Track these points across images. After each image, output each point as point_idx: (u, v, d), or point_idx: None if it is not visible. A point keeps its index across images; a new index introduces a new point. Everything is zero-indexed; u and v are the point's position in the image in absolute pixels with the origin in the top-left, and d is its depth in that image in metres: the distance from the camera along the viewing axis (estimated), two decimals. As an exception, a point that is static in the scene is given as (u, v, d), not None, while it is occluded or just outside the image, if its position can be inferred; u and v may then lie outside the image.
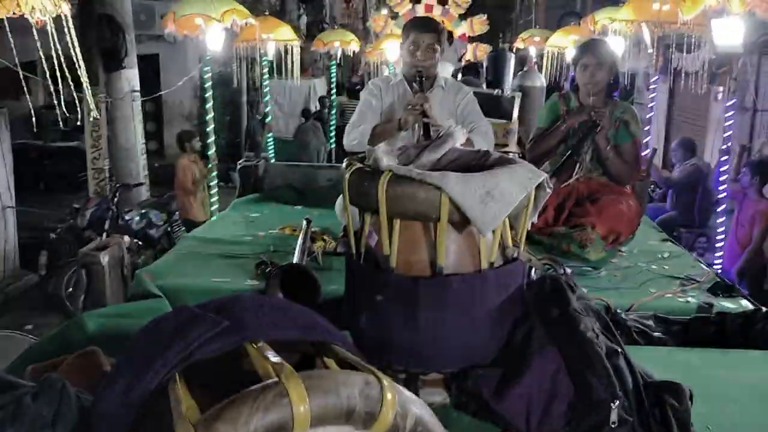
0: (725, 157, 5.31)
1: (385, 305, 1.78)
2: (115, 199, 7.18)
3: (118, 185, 7.58)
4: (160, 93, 10.85)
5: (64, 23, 2.27)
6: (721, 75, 7.59)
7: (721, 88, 8.84)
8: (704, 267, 3.17)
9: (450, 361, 1.80)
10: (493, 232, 1.72)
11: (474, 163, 2.02)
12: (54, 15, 2.24)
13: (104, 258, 2.32)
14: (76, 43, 2.26)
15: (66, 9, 2.33)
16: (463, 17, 12.61)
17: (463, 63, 11.15)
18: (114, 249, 2.42)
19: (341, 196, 1.92)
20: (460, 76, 9.13)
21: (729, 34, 4.55)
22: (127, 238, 2.52)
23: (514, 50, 12.11)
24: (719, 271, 5.53)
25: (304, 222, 3.24)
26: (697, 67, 6.33)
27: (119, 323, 2.22)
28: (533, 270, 2.01)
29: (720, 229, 5.44)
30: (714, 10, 4.42)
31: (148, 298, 2.48)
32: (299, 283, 2.56)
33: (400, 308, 1.76)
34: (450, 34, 12.21)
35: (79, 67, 2.25)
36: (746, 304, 2.68)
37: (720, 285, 2.82)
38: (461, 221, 1.71)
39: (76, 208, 7.18)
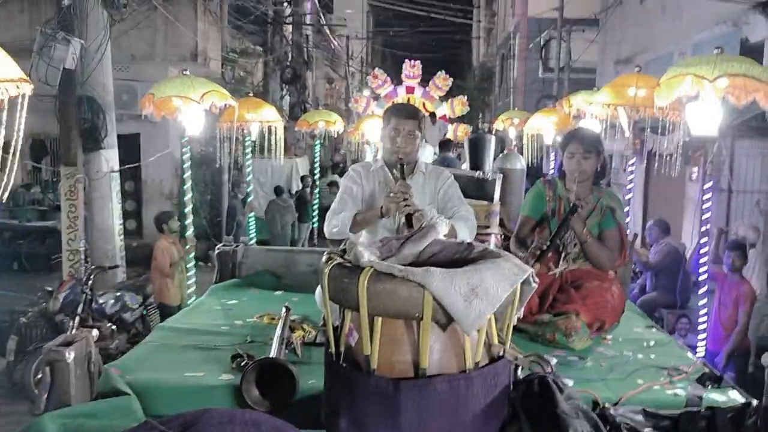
0: (705, 239, 5.32)
1: (365, 408, 1.69)
2: (90, 282, 7.00)
3: (93, 267, 7.42)
4: (138, 164, 10.84)
5: (20, 103, 2.24)
6: (696, 157, 7.73)
7: (696, 168, 9.01)
8: (691, 356, 3.11)
9: (435, 468, 1.70)
10: (478, 330, 1.66)
11: (457, 256, 1.98)
12: (14, 95, 2.21)
13: (70, 354, 2.20)
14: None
15: (28, 89, 2.30)
16: (443, 99, 12.90)
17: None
18: (81, 344, 2.30)
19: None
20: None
21: (704, 120, 4.66)
22: (95, 332, 2.40)
23: (493, 132, 12.34)
24: (704, 353, 5.50)
25: (283, 310, 3.14)
26: (672, 149, 6.45)
27: (83, 424, 2.10)
28: (519, 368, 1.93)
29: (702, 311, 5.40)
30: (688, 96, 4.53)
31: (116, 396, 2.35)
32: (276, 378, 2.45)
33: (381, 412, 1.67)
34: (433, 113, 12.51)
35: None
36: (735, 395, 2.60)
37: (708, 375, 2.74)
38: (445, 319, 1.65)
39: (48, 291, 6.99)
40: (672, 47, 11.07)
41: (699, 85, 4.27)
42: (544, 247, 3.24)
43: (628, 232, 5.31)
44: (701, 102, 4.49)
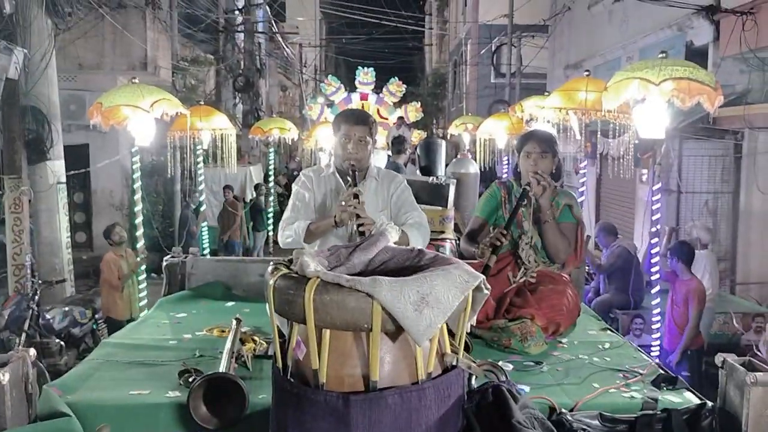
0: (655, 239, 5.40)
1: (315, 424, 1.63)
2: (36, 297, 6.78)
3: (39, 282, 7.18)
4: (84, 170, 10.57)
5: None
6: (645, 159, 7.87)
7: (645, 171, 9.18)
8: (645, 357, 3.12)
9: (388, 484, 1.64)
10: (430, 340, 1.61)
11: (408, 263, 1.93)
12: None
13: (4, 376, 2.08)
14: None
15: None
16: (398, 105, 12.92)
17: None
18: (17, 364, 2.18)
19: (272, 299, 1.78)
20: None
21: (651, 123, 4.73)
22: (33, 351, 2.28)
23: (447, 137, 12.41)
24: (659, 352, 5.58)
25: (234, 322, 3.05)
26: (622, 152, 6.55)
27: (18, 450, 1.98)
28: (473, 378, 1.89)
29: (655, 311, 5.48)
30: (636, 99, 4.60)
31: (55, 418, 2.23)
32: (225, 393, 2.36)
33: (331, 428, 1.61)
34: (401, 117, 12.56)
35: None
36: (690, 396, 2.61)
37: (662, 377, 2.75)
38: (395, 330, 1.60)
39: (-8, 307, 6.75)
40: (619, 52, 11.29)
41: (645, 89, 4.35)
42: (501, 238, 3.21)
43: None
44: (648, 105, 4.56)
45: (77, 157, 10.77)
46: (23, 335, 6.43)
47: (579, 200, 6.92)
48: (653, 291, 5.50)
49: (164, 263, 4.18)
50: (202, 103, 9.14)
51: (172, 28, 13.82)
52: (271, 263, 1.83)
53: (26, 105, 8.04)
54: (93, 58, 12.00)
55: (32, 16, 7.92)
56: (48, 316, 6.94)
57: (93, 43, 11.64)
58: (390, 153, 9.57)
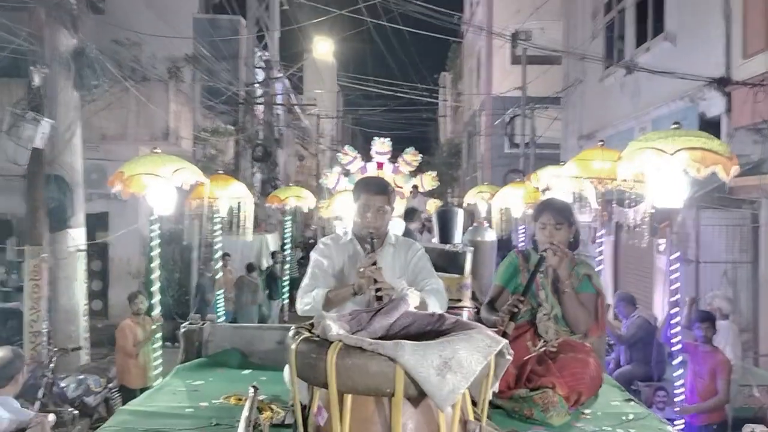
0: (675, 309, 5.33)
1: (336, 493, 1.60)
2: (51, 365, 6.76)
3: (55, 350, 7.17)
4: (104, 240, 10.68)
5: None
6: (662, 228, 7.85)
7: (663, 240, 9.13)
8: (670, 430, 3.04)
9: None
10: (453, 405, 1.60)
11: (429, 327, 1.93)
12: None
13: (23, 441, 2.08)
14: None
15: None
16: (413, 174, 13.06)
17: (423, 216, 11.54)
18: (35, 430, 2.18)
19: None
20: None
21: (667, 192, 4.74)
22: (51, 417, 2.28)
23: (463, 205, 12.48)
24: (683, 425, 5.42)
25: (251, 390, 3.02)
26: (639, 221, 6.54)
27: None
28: (497, 446, 1.86)
29: (678, 383, 5.36)
30: (650, 169, 4.63)
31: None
32: (242, 463, 2.32)
33: (352, 497, 1.58)
34: (415, 186, 12.70)
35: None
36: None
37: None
38: (418, 395, 1.59)
39: (8, 375, 6.72)
40: (632, 123, 11.41)
41: (659, 159, 4.38)
42: (519, 305, 3.18)
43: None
44: (663, 174, 4.58)
45: (97, 225, 10.92)
46: (37, 403, 6.38)
47: (597, 269, 6.91)
48: (675, 362, 5.39)
49: (181, 330, 4.18)
50: (221, 171, 9.29)
51: (194, 100, 14.20)
52: (293, 327, 1.83)
53: (50, 174, 8.21)
54: (116, 128, 12.29)
55: (59, 88, 8.18)
56: (62, 384, 6.90)
57: (117, 114, 11.93)
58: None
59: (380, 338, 1.84)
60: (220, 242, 8.81)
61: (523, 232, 9.54)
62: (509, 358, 1.74)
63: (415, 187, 12.82)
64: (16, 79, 10.02)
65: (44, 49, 7.90)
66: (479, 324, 1.84)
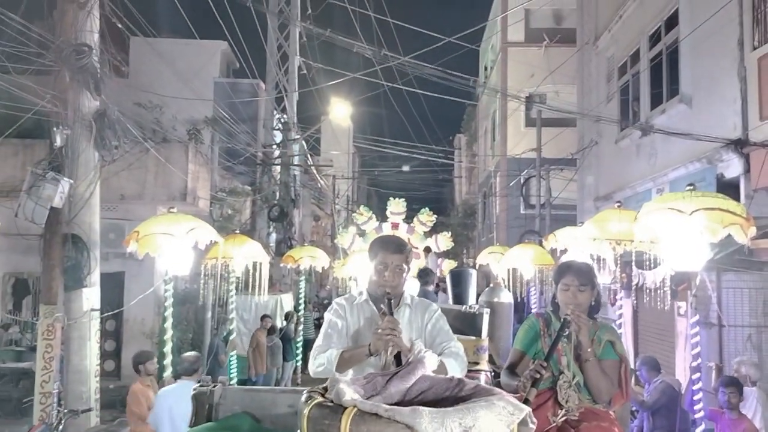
0: (697, 375, 5.17)
1: None
2: (60, 427, 6.65)
3: (65, 411, 7.06)
4: (120, 310, 10.65)
5: None
6: (682, 291, 7.72)
7: (683, 303, 8.96)
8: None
9: None
10: (473, 477, 1.51)
11: (447, 393, 1.86)
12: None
13: None
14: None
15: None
16: (428, 234, 13.01)
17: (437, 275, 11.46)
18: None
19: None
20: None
21: (685, 254, 4.66)
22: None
23: (476, 266, 12.40)
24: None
25: (262, 456, 2.93)
26: (658, 283, 6.43)
27: None
28: None
29: (703, 451, 5.16)
30: (667, 230, 4.56)
31: None
32: None
33: None
34: (428, 248, 12.68)
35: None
36: None
37: None
38: (436, 465, 1.51)
39: (15, 438, 6.62)
40: (649, 184, 11.37)
41: (677, 219, 4.33)
42: (541, 371, 3.06)
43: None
44: (681, 236, 4.52)
45: (112, 285, 10.92)
46: (45, 466, 6.26)
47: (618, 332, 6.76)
48: (698, 430, 5.20)
49: (192, 392, 4.09)
50: (237, 231, 9.32)
51: (212, 160, 14.39)
52: (305, 391, 1.77)
53: (68, 233, 8.26)
54: (135, 188, 12.45)
55: (81, 149, 8.30)
56: (71, 447, 6.77)
57: (136, 175, 12.09)
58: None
59: (396, 403, 1.77)
60: (234, 302, 8.77)
61: (535, 294, 9.42)
62: (532, 426, 1.66)
63: (427, 247, 12.82)
64: (39, 140, 10.22)
65: (67, 111, 8.06)
66: (500, 390, 1.77)
